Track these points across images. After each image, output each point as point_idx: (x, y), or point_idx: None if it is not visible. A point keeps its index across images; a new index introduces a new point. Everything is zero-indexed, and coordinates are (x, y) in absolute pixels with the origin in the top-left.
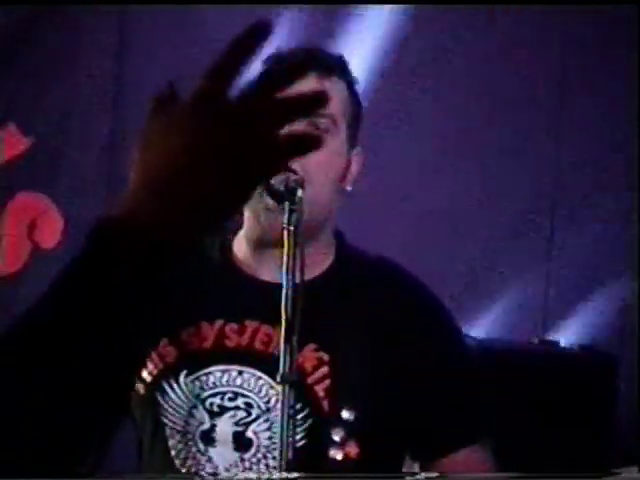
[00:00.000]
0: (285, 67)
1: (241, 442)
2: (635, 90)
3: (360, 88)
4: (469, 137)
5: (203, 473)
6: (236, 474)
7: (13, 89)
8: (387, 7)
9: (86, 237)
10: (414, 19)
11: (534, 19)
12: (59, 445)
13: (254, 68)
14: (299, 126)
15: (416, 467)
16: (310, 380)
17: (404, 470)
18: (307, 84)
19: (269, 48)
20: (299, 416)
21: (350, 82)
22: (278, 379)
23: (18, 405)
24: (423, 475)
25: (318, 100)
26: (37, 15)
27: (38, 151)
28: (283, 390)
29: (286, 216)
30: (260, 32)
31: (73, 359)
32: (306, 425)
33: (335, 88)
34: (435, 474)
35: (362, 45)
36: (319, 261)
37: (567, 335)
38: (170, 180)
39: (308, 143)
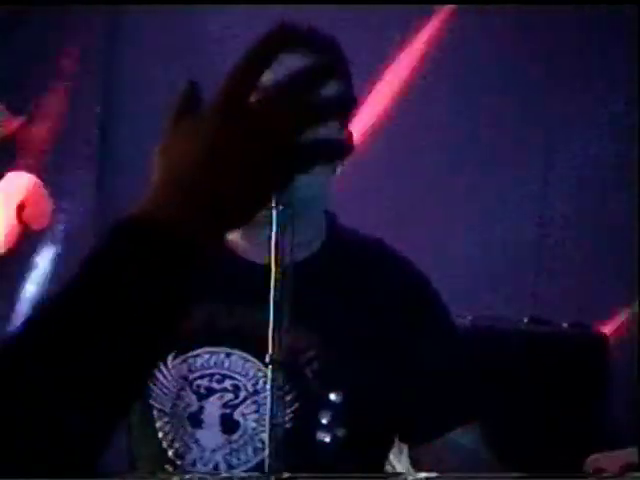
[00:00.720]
0: (311, 71)
1: (228, 424)
2: (635, 90)
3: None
4: (466, 129)
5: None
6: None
7: (2, 69)
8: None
9: (106, 233)
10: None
11: (533, 19)
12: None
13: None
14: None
15: (405, 449)
16: (298, 362)
17: (392, 453)
18: (294, 61)
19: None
20: (287, 398)
21: (341, 63)
22: (267, 360)
23: (30, 400)
24: (423, 475)
25: (345, 105)
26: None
27: (27, 132)
28: (272, 372)
29: (274, 195)
30: (286, 36)
31: (84, 355)
32: (294, 407)
33: None
34: (435, 474)
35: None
36: (309, 242)
37: (557, 313)
38: (192, 180)
39: (337, 150)
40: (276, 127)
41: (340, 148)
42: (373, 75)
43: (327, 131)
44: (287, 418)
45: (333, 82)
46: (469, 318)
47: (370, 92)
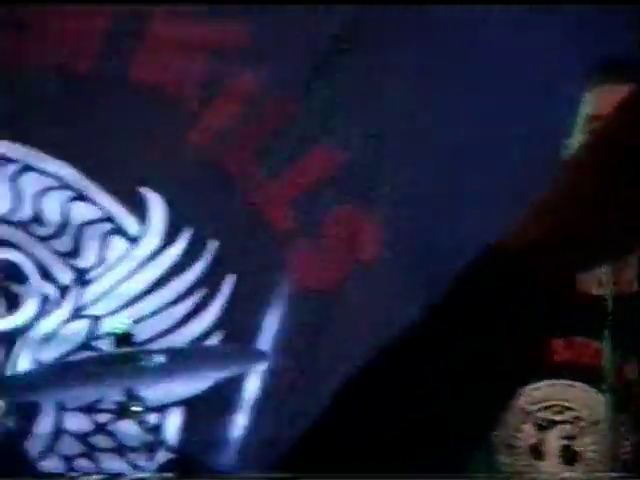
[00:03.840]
0: None
1: (568, 456)
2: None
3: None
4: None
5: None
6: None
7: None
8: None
9: (475, 258)
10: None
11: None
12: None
13: None
14: None
15: None
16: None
17: None
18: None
19: None
20: (623, 429)
21: None
22: (605, 389)
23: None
24: None
25: None
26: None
27: (354, 165)
28: (611, 401)
29: None
30: None
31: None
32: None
33: None
34: None
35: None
36: None
37: None
38: (580, 211)
39: None
40: None
41: None
42: None
43: None
44: (626, 449)
45: None
46: None
47: None
